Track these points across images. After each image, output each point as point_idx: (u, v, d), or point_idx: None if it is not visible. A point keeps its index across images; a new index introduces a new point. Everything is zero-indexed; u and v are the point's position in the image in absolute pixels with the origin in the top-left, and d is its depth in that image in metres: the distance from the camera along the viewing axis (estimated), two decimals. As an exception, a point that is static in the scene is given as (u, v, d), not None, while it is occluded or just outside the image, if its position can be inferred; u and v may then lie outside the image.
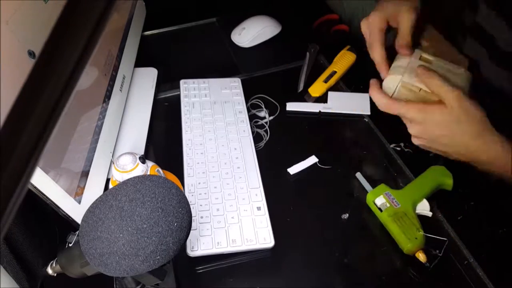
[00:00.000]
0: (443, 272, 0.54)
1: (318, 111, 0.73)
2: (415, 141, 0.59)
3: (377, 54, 0.64)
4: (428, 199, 0.58)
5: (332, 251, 0.56)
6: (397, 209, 0.56)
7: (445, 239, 0.54)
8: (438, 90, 0.55)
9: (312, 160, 0.66)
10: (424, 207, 0.58)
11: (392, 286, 0.54)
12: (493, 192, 0.60)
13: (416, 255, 0.54)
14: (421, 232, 0.54)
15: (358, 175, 0.62)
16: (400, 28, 0.64)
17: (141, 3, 0.87)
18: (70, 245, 0.44)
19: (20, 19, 0.46)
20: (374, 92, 0.60)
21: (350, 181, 0.63)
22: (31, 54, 0.47)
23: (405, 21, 0.63)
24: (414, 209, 0.57)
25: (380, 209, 0.57)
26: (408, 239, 0.53)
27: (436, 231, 0.55)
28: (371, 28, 0.65)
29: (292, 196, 0.63)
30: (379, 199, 0.58)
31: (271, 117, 0.73)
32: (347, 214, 0.59)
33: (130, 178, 0.40)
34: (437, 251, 0.54)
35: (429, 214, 0.58)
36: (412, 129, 0.58)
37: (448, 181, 0.60)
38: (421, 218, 0.57)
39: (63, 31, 0.22)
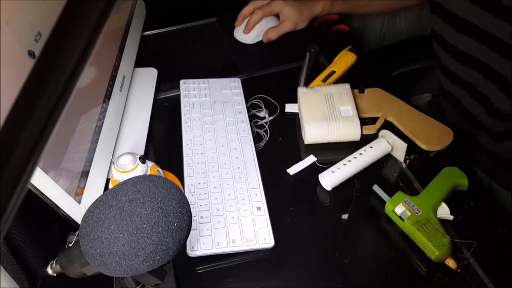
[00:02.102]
0: (443, 272, 0.54)
1: (318, 111, 0.74)
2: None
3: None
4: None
5: (332, 251, 0.56)
6: (419, 216, 0.55)
7: (473, 241, 0.54)
8: None
9: (311, 159, 0.66)
10: (444, 211, 0.57)
11: (392, 286, 0.54)
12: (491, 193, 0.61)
13: (446, 262, 0.53)
14: (448, 238, 0.53)
15: (375, 187, 0.61)
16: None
17: (141, 3, 0.87)
18: (70, 245, 0.44)
19: (20, 19, 0.46)
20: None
21: (350, 181, 0.63)
22: (31, 54, 0.47)
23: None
24: (435, 214, 0.56)
25: (401, 218, 0.56)
26: (436, 247, 0.52)
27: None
28: None
29: (292, 196, 0.63)
30: (399, 208, 0.56)
31: (271, 117, 0.73)
32: (347, 214, 0.59)
33: (130, 178, 0.40)
34: (466, 255, 0.54)
35: (450, 217, 0.57)
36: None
37: (463, 182, 0.59)
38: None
39: (63, 31, 0.22)
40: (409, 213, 0.55)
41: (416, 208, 0.56)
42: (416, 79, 1.00)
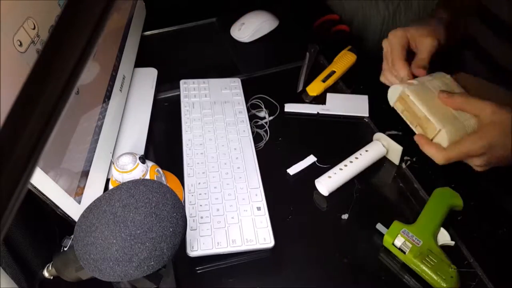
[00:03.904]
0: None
1: (316, 112, 0.73)
2: (481, 169, 0.56)
3: (402, 71, 0.62)
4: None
5: (332, 251, 0.56)
6: (420, 247, 0.52)
7: (476, 271, 0.53)
8: (475, 107, 0.55)
9: (311, 159, 0.66)
10: (444, 237, 0.55)
11: (392, 286, 0.54)
12: (492, 192, 0.61)
13: None
14: (454, 269, 0.51)
15: (379, 226, 0.57)
16: (420, 50, 0.64)
17: (141, 3, 0.87)
18: (65, 249, 0.44)
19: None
20: (425, 147, 0.57)
21: (350, 182, 0.63)
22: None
23: (425, 45, 0.63)
24: (436, 242, 0.54)
25: (402, 250, 0.53)
26: (443, 280, 0.50)
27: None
28: (392, 44, 0.64)
29: (292, 196, 0.63)
30: (398, 240, 0.53)
31: (271, 117, 0.73)
32: (347, 214, 0.59)
33: (124, 183, 0.39)
34: (466, 255, 0.54)
35: (452, 243, 0.55)
36: (478, 161, 0.55)
37: (457, 202, 0.58)
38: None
39: (63, 31, 0.22)
40: (410, 245, 0.53)
41: (416, 238, 0.53)
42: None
